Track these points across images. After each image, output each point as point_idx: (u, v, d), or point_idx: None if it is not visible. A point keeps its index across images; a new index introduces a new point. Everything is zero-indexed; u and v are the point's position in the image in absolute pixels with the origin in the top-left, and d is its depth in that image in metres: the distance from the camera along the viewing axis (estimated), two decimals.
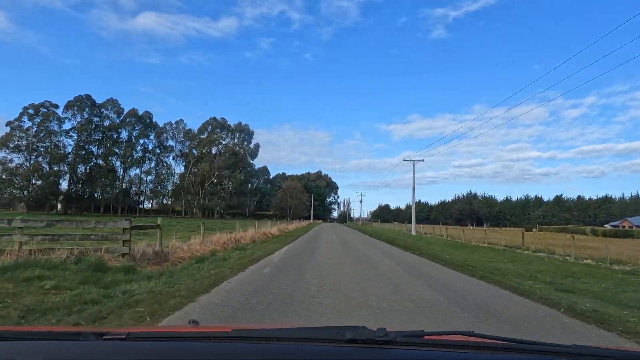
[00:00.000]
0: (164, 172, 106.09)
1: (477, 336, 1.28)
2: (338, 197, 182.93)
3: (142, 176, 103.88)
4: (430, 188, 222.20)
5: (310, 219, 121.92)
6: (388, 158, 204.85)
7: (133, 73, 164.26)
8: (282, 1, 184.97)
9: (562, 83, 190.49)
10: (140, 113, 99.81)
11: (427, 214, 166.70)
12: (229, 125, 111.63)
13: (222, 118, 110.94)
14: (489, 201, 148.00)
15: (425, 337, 1.22)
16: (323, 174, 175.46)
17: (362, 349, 1.16)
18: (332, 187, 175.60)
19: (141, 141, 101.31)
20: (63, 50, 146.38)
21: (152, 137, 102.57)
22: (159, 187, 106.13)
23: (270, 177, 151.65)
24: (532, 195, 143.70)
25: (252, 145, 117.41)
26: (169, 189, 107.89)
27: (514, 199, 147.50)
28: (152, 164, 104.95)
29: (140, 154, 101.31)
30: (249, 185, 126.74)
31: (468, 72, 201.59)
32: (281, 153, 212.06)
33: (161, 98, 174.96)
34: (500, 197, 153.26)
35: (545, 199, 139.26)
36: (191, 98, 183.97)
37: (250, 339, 1.29)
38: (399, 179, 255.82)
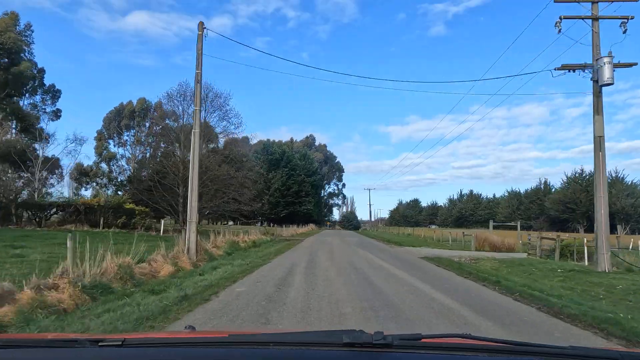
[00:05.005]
0: None
1: (474, 339, 1.26)
2: (344, 185, 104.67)
3: None
4: (431, 189, 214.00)
5: (298, 224, 46.91)
6: (387, 160, 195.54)
7: (126, 75, 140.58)
8: None
9: (563, 81, 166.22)
10: None
11: (490, 211, 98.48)
12: None
13: None
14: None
15: (423, 340, 1.21)
16: (318, 143, 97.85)
17: (360, 352, 1.14)
18: (333, 168, 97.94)
19: None
20: (52, 52, 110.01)
21: None
22: None
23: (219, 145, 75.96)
24: None
25: None
26: None
27: None
28: None
29: None
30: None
31: (468, 71, 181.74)
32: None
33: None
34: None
35: None
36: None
37: (248, 344, 1.26)
38: (399, 181, 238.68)
